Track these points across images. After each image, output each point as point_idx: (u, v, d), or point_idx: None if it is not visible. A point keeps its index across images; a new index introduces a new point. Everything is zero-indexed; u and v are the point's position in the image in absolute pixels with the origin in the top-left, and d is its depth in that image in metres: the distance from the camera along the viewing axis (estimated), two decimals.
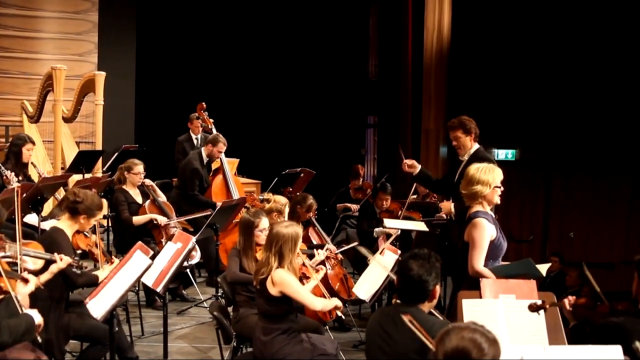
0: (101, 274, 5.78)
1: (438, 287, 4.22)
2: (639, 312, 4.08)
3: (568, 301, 4.38)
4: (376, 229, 8.63)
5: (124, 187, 8.47)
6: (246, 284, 6.03)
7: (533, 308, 4.38)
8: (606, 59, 12.27)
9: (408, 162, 7.48)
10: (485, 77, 12.77)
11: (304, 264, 6.15)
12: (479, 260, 5.36)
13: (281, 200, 7.52)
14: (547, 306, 4.35)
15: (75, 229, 5.76)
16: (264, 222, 6.32)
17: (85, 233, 5.91)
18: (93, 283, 5.58)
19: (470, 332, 2.95)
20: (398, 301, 4.26)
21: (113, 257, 6.49)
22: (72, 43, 13.71)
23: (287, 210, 7.45)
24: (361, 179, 11.12)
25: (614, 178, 12.54)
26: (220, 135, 9.65)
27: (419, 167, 7.45)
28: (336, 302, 5.58)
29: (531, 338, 4.41)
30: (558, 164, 12.99)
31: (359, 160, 14.27)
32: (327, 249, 7.33)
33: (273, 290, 5.25)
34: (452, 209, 7.03)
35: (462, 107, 11.89)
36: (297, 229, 5.50)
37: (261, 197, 9.57)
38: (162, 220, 8.32)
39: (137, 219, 8.31)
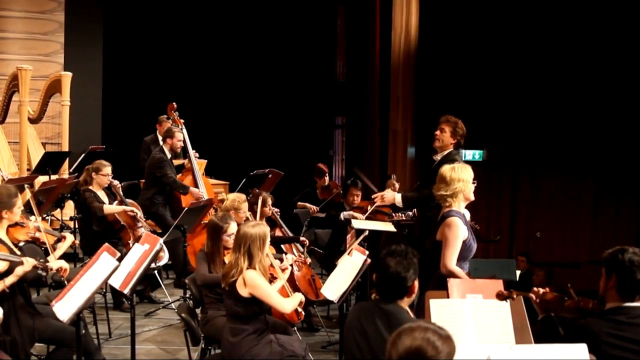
0: (58, 253, 5.73)
1: (416, 282, 4.26)
2: (604, 313, 4.10)
3: (535, 293, 4.40)
4: (343, 213, 8.68)
5: (90, 187, 8.41)
6: (217, 285, 6.02)
7: (501, 296, 4.41)
8: (571, 61, 12.38)
9: (377, 198, 7.42)
10: (453, 78, 12.83)
11: (271, 265, 6.15)
12: (451, 260, 5.40)
13: (237, 198, 7.49)
14: (515, 296, 4.38)
15: (5, 227, 5.60)
16: (232, 227, 6.28)
17: (21, 223, 5.79)
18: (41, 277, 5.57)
19: (422, 331, 2.88)
20: (377, 297, 4.29)
21: (63, 232, 6.36)
22: (38, 43, 13.59)
23: (245, 206, 7.43)
24: (327, 178, 11.09)
25: (579, 178, 12.66)
26: (172, 127, 9.68)
27: (392, 196, 7.23)
28: (300, 297, 5.61)
29: (498, 337, 4.44)
30: (525, 165, 13.09)
31: (325, 161, 14.28)
32: (293, 259, 7.34)
33: (243, 292, 5.24)
34: (397, 199, 7.03)
35: (429, 108, 11.97)
36: (264, 228, 5.51)
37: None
38: (137, 211, 8.32)
39: (108, 208, 8.24)
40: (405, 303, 4.26)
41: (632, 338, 3.96)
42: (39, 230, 5.81)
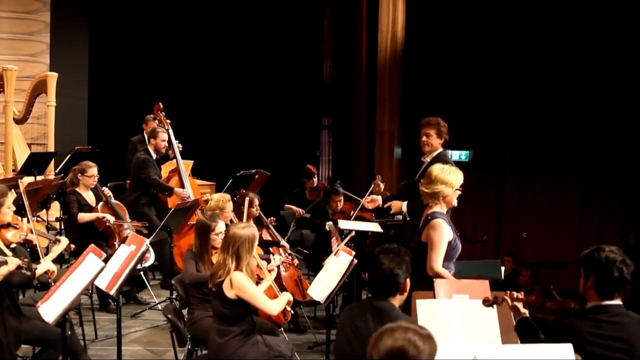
0: (52, 256, 5.68)
1: (408, 281, 4.28)
2: (585, 312, 4.13)
3: (510, 296, 4.41)
4: (328, 223, 8.68)
5: (76, 189, 8.38)
6: (205, 284, 5.99)
7: (487, 303, 4.42)
8: (558, 62, 12.42)
9: (367, 199, 7.60)
10: (439, 78, 12.85)
11: (258, 265, 6.14)
12: (438, 261, 5.41)
13: (221, 197, 7.48)
14: (501, 301, 4.40)
15: None
16: (220, 226, 6.28)
17: (14, 224, 5.72)
18: (27, 281, 5.50)
19: (403, 331, 2.87)
20: (369, 295, 4.31)
21: (58, 236, 6.28)
22: (24, 43, 13.54)
23: (229, 205, 7.41)
24: (315, 179, 11.05)
25: (565, 179, 12.72)
26: (156, 127, 9.67)
27: (379, 199, 7.49)
28: (288, 296, 5.61)
29: (484, 337, 4.46)
30: (511, 165, 13.13)
31: (312, 161, 14.27)
32: (280, 260, 7.33)
33: (230, 293, 5.23)
34: (404, 208, 7.07)
35: (416, 108, 11.98)
36: (253, 230, 5.49)
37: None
38: (110, 218, 8.25)
39: (82, 216, 8.20)
40: (397, 301, 4.27)
41: (612, 335, 4.00)
42: (31, 232, 5.74)
